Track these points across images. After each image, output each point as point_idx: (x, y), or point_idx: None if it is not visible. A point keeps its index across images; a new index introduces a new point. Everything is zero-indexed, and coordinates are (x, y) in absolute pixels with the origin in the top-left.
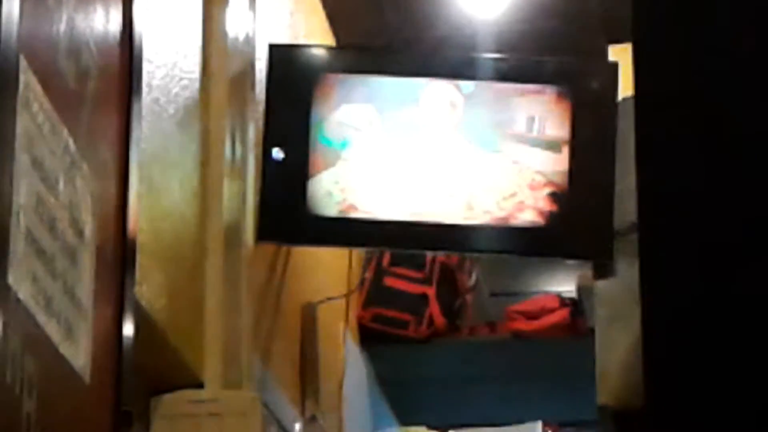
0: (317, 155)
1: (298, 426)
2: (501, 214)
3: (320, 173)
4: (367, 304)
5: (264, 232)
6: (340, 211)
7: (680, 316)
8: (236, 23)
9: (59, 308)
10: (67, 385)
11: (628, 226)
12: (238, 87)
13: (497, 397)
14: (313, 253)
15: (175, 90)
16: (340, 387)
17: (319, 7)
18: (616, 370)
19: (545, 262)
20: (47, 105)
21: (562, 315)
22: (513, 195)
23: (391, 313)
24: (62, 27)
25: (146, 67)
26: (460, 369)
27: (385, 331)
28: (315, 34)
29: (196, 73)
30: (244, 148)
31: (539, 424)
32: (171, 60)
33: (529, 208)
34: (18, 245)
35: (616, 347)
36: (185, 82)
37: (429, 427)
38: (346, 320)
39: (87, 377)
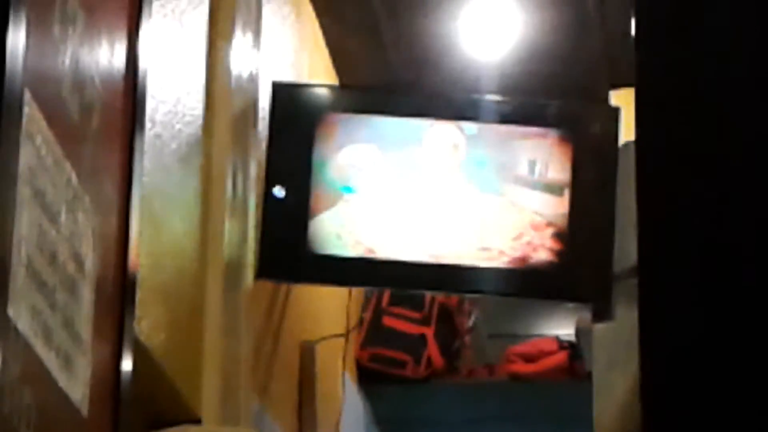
0: (319, 194)
1: None
2: (516, 254)
3: (322, 213)
4: (365, 343)
5: (264, 270)
6: (342, 250)
7: (679, 360)
8: (240, 60)
9: (58, 340)
10: (64, 418)
11: (627, 270)
12: (240, 124)
13: None
14: (312, 292)
15: (177, 126)
16: (338, 426)
17: (323, 45)
18: (613, 414)
19: (544, 305)
20: (51, 138)
21: (560, 358)
22: (520, 236)
23: (389, 353)
24: (67, 61)
25: (149, 103)
26: (458, 410)
27: (383, 370)
28: (318, 73)
29: (199, 110)
30: (246, 186)
31: None
32: (174, 96)
33: (539, 247)
34: (18, 277)
35: (614, 391)
36: (188, 118)
37: None
38: (345, 359)
39: (85, 410)
